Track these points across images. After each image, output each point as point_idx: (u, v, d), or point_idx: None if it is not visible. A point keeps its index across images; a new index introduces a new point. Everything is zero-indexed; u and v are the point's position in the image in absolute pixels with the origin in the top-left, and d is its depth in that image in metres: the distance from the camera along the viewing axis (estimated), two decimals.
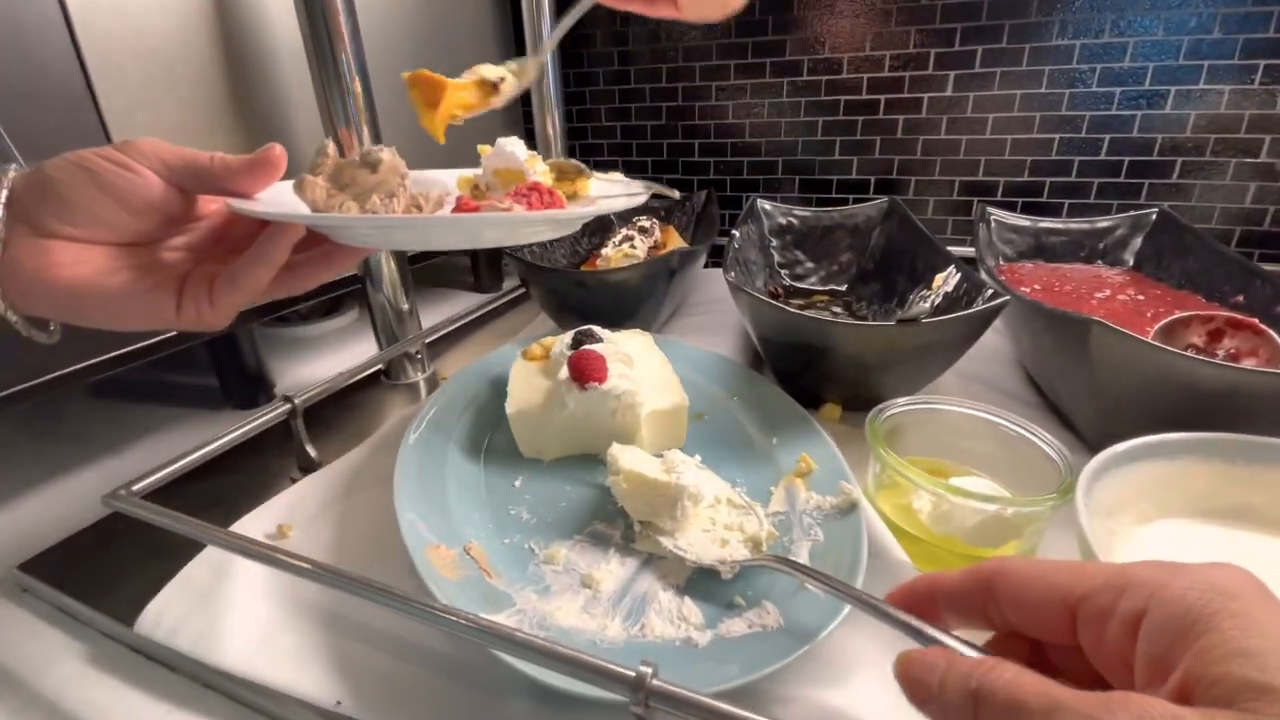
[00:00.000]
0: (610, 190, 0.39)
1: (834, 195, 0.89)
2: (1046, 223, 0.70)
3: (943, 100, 0.81)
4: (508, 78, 0.38)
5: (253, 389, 0.60)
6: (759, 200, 0.76)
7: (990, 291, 0.46)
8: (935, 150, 0.83)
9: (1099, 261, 0.68)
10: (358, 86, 0.53)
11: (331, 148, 0.33)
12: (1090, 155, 0.78)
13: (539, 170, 0.38)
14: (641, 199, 0.36)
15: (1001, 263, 0.67)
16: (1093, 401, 0.43)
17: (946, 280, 0.54)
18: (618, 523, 0.37)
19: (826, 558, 0.32)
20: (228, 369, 0.59)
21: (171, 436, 0.55)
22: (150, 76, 0.46)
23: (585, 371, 0.42)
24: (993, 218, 0.68)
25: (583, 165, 0.38)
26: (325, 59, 0.51)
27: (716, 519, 0.35)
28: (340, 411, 0.57)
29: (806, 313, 0.44)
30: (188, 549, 0.39)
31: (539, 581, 0.33)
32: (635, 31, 0.92)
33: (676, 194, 0.41)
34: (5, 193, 0.29)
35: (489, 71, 0.38)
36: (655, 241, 0.75)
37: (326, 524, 0.40)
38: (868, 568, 0.31)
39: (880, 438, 0.36)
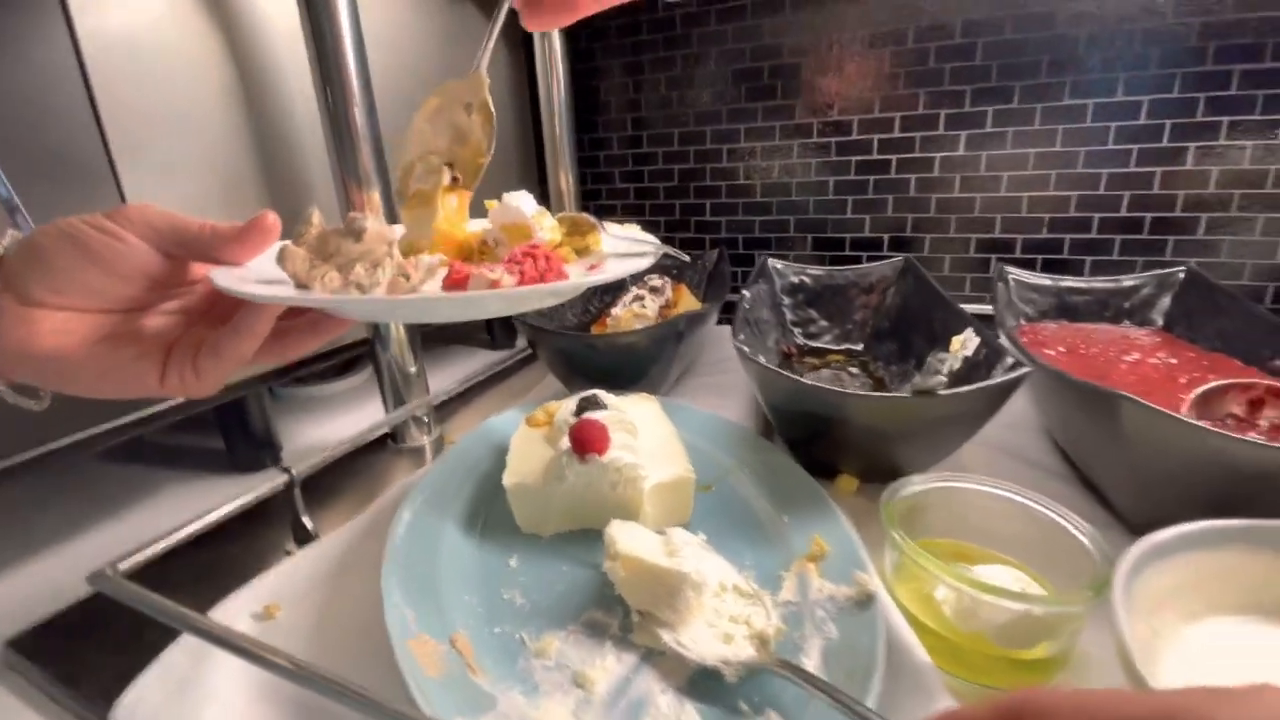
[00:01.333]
0: (621, 247, 0.37)
1: (847, 253, 0.89)
2: (1069, 281, 0.68)
3: (955, 159, 0.80)
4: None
5: (259, 452, 0.59)
6: (769, 260, 0.76)
7: (1011, 361, 0.44)
8: (949, 208, 0.83)
9: (1125, 321, 0.66)
10: (366, 148, 0.54)
11: (316, 216, 0.33)
12: (1110, 212, 0.76)
13: (546, 226, 0.37)
14: (648, 262, 0.35)
15: (1023, 323, 0.65)
16: (1129, 478, 0.40)
17: (965, 344, 0.53)
18: (615, 610, 0.35)
19: (840, 659, 0.30)
20: (234, 432, 0.58)
21: (172, 500, 0.55)
22: (170, 149, 0.48)
23: (586, 442, 0.40)
24: (1011, 277, 0.66)
25: (595, 220, 0.38)
26: (339, 122, 0.52)
27: (721, 610, 0.33)
28: (343, 477, 0.56)
29: (818, 382, 0.43)
30: (173, 630, 0.38)
31: (527, 680, 0.31)
32: (648, 98, 0.94)
33: (686, 257, 0.40)
34: None
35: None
36: (666, 300, 0.75)
37: (315, 605, 0.38)
38: (886, 669, 0.28)
39: (896, 520, 0.34)
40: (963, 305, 0.59)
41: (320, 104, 0.52)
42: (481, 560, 0.39)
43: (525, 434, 0.46)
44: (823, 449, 0.47)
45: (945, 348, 0.49)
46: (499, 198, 0.38)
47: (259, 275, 0.30)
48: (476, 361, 0.86)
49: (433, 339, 0.92)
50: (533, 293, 0.30)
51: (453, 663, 0.30)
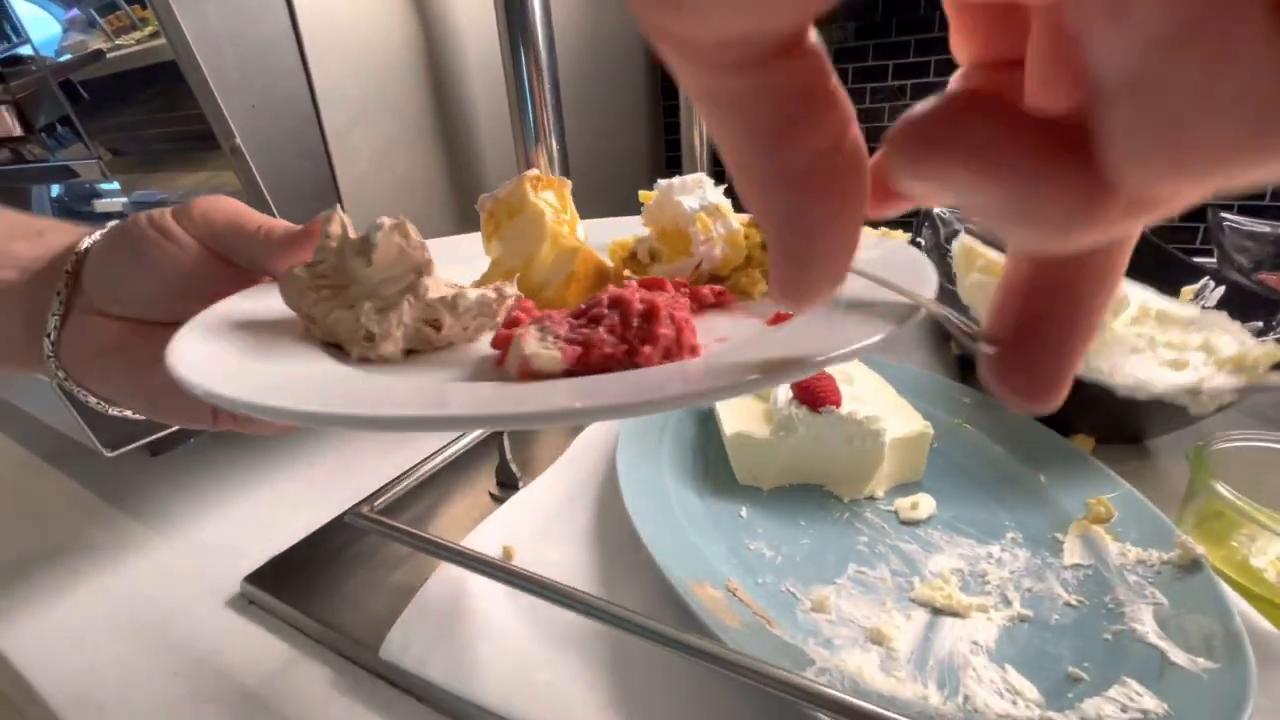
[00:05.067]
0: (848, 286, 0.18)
1: None
2: None
3: None
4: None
5: None
6: (935, 210, 0.71)
7: None
8: None
9: None
10: (549, 100, 0.52)
11: (338, 220, 0.23)
12: None
13: (716, 236, 0.24)
14: (884, 336, 0.17)
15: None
16: None
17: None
18: (880, 566, 0.33)
19: (1183, 627, 0.27)
20: None
21: (376, 446, 0.54)
22: (365, 95, 0.47)
23: (820, 393, 0.38)
24: (1227, 224, 0.60)
25: None
26: (521, 72, 0.50)
27: (1155, 337, 0.28)
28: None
29: None
30: (404, 565, 0.38)
31: (817, 633, 0.29)
32: None
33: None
34: (73, 260, 0.27)
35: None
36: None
37: (550, 546, 0.37)
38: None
39: (1213, 475, 0.30)
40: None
41: (504, 56, 0.50)
42: (711, 510, 0.38)
43: None
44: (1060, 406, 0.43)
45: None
46: (649, 186, 0.26)
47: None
48: None
49: None
50: (613, 406, 0.15)
51: (743, 613, 0.29)
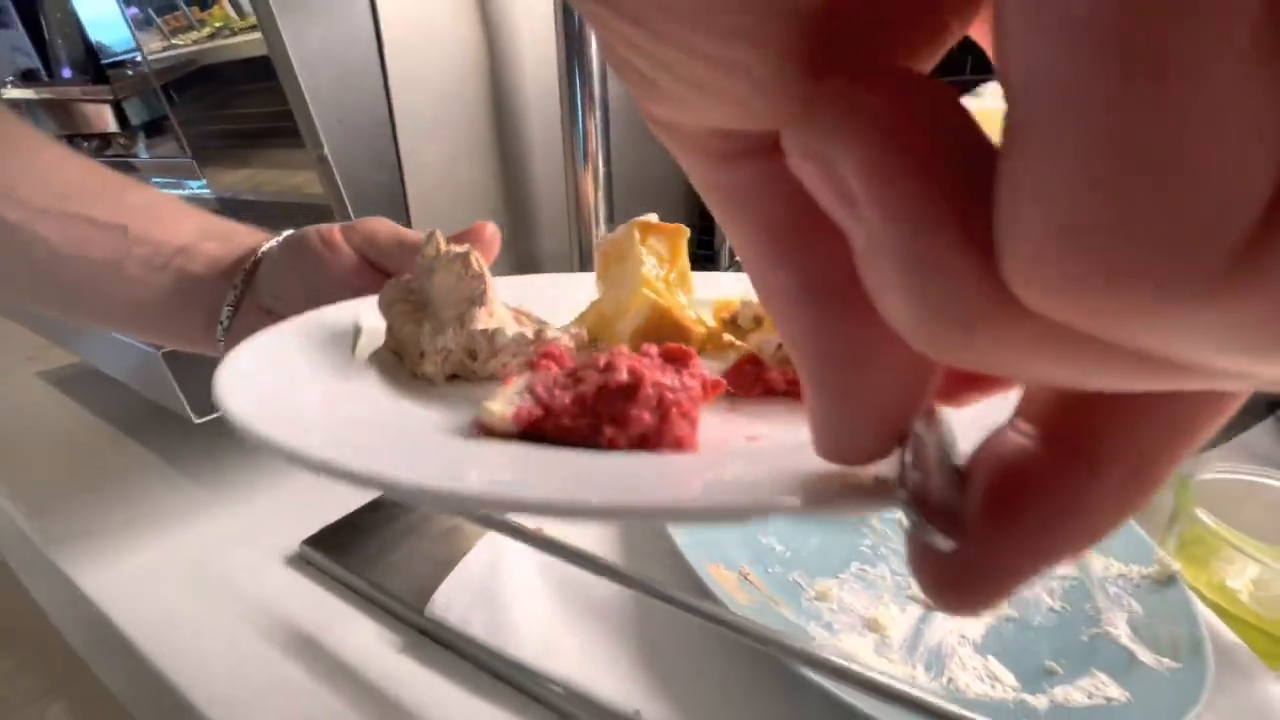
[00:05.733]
0: None
1: None
2: None
3: None
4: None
5: None
6: None
7: None
8: None
9: None
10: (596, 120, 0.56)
11: (435, 242, 0.24)
12: None
13: None
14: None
15: None
16: None
17: None
18: (880, 566, 0.36)
19: (1155, 632, 0.30)
20: None
21: None
22: (435, 114, 0.52)
23: None
24: None
25: None
26: (574, 97, 0.55)
27: None
28: None
29: None
30: (445, 538, 0.42)
31: (819, 618, 0.32)
32: None
33: None
34: (251, 262, 0.31)
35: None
36: None
37: (577, 532, 0.41)
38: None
39: (1196, 502, 0.33)
40: None
41: (560, 82, 0.55)
42: None
43: None
44: None
45: None
46: None
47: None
48: None
49: None
50: (493, 497, 0.13)
51: (752, 593, 0.32)
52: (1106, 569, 0.34)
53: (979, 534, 0.09)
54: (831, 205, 0.07)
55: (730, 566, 0.34)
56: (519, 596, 0.35)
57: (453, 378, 0.23)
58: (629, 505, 0.12)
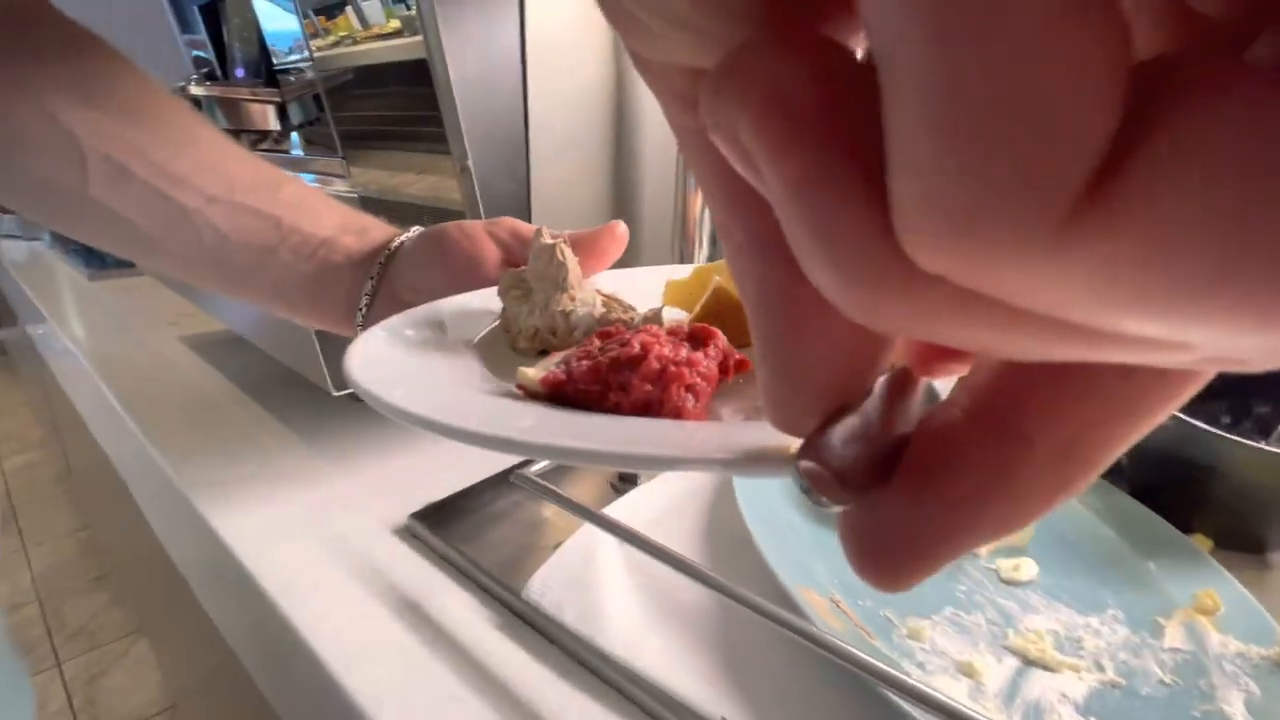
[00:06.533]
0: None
1: None
2: None
3: None
4: None
5: None
6: None
7: None
8: None
9: None
10: None
11: (547, 234, 0.28)
12: None
13: None
14: None
15: None
16: None
17: None
18: (976, 613, 0.35)
19: (1271, 716, 0.28)
20: None
21: None
22: (567, 131, 0.55)
23: None
24: None
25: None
26: None
27: None
28: None
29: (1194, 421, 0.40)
30: (540, 526, 0.44)
31: (911, 656, 0.32)
32: None
33: None
34: (386, 254, 0.33)
35: None
36: None
37: (664, 541, 0.42)
38: None
39: None
40: None
41: None
42: (815, 535, 0.41)
43: None
44: (1180, 501, 0.43)
45: None
46: None
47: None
48: None
49: None
50: (507, 440, 0.16)
51: (844, 621, 0.33)
52: (1224, 645, 0.32)
53: (905, 502, 0.09)
54: (745, 173, 0.08)
55: (822, 593, 0.34)
56: (610, 591, 0.37)
57: (542, 352, 0.27)
58: (566, 446, 0.15)
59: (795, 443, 0.11)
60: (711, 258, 0.61)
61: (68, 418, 1.17)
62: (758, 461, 0.14)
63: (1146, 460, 0.45)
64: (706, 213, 0.61)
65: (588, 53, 0.56)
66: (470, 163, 0.47)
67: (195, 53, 0.92)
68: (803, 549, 0.39)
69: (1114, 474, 0.51)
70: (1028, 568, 0.39)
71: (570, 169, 0.56)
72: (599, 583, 0.37)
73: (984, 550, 0.41)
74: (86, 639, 1.61)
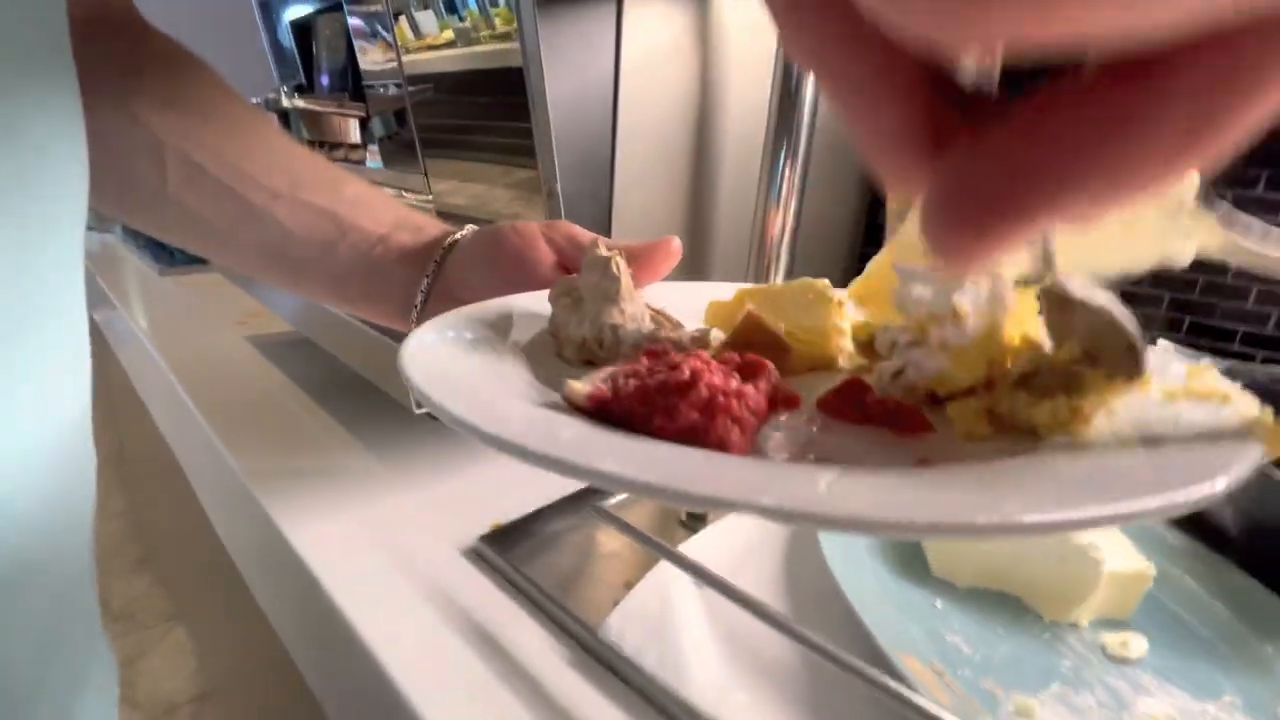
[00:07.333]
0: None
1: (1236, 348, 0.76)
2: None
3: None
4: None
5: None
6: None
7: None
8: None
9: None
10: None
11: (602, 248, 0.28)
12: None
13: (934, 342, 0.21)
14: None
15: None
16: None
17: None
18: (1085, 693, 0.33)
19: None
20: None
21: None
22: (650, 159, 0.55)
23: None
24: None
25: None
26: (778, 167, 0.56)
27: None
28: None
29: None
30: (613, 560, 0.43)
31: None
32: None
33: None
34: (440, 253, 0.33)
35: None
36: None
37: (743, 583, 0.41)
38: None
39: None
40: None
41: (768, 131, 0.56)
42: (905, 594, 0.39)
43: None
44: None
45: None
46: None
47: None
48: None
49: None
50: (531, 452, 0.16)
51: (951, 695, 0.31)
52: None
53: (1015, 144, 0.08)
54: None
55: (923, 661, 0.32)
56: (692, 638, 0.35)
57: (587, 363, 0.27)
58: (599, 470, 0.15)
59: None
60: (789, 277, 0.59)
61: (126, 403, 1.21)
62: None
63: (1261, 532, 0.42)
64: (787, 238, 0.60)
65: (677, 76, 0.55)
66: (558, 187, 0.47)
67: (283, 66, 0.96)
68: (896, 609, 0.37)
69: (1224, 546, 0.48)
70: (1136, 644, 0.36)
71: (650, 195, 0.56)
72: (680, 628, 0.36)
73: (1085, 620, 0.38)
74: (128, 621, 1.65)
